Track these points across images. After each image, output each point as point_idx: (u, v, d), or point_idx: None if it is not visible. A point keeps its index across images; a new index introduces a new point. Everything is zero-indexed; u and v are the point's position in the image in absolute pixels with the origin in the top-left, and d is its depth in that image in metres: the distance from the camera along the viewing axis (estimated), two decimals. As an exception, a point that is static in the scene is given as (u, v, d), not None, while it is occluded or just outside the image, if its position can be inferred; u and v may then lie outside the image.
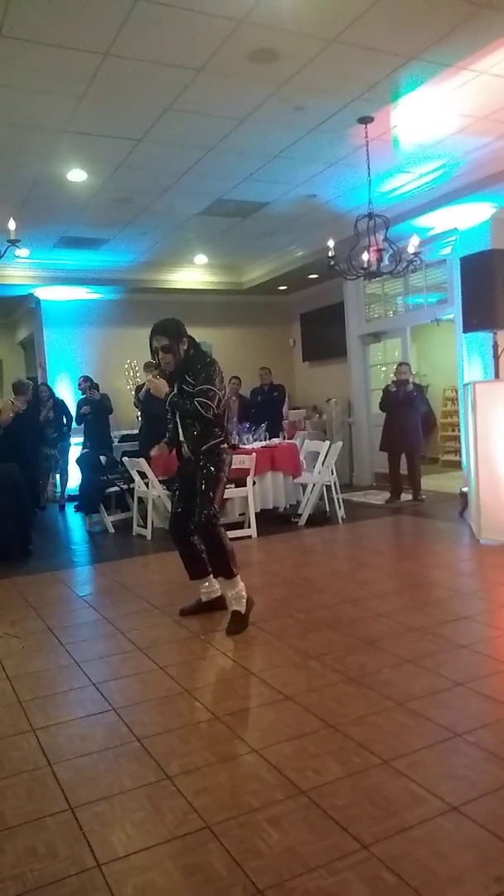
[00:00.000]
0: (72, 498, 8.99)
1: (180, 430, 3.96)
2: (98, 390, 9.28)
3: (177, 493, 4.16)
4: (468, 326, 7.20)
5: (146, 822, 2.12)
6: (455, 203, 6.99)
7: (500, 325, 6.91)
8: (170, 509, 6.22)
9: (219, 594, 4.21)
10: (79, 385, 9.34)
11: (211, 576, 4.18)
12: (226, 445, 3.95)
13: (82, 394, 9.25)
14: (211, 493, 3.85)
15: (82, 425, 9.26)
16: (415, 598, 4.26)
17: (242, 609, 3.92)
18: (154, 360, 3.99)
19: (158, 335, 3.85)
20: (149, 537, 6.74)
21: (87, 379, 9.38)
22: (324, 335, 10.87)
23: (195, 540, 4.07)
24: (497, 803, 2.08)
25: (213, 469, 3.87)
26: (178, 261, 9.92)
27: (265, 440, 7.56)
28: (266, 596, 4.56)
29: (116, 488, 7.57)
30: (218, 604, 4.20)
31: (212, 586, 4.22)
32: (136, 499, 7.17)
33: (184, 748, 2.56)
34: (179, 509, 4.08)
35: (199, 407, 3.75)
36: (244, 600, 3.93)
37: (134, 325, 10.73)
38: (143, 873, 1.88)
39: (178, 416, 3.94)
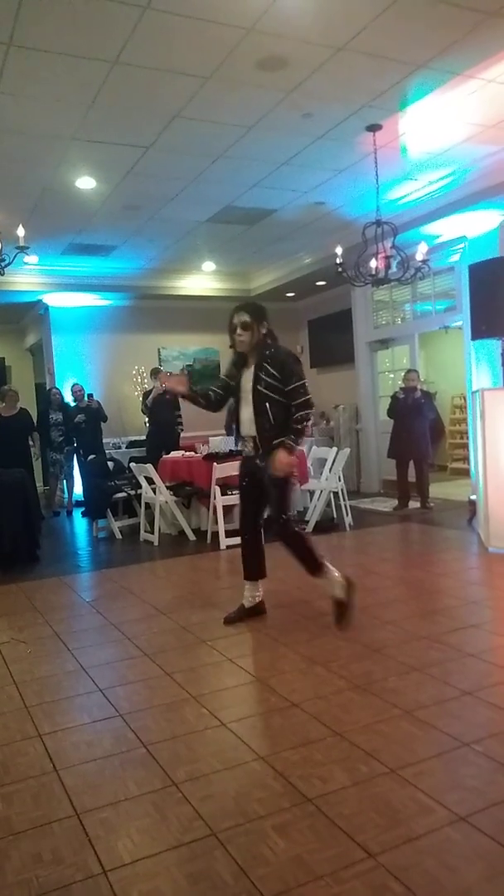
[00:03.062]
0: (79, 504, 9.01)
1: (245, 418, 3.86)
2: (92, 398, 9.25)
3: (244, 490, 4.04)
4: (476, 334, 7.19)
5: (152, 828, 2.11)
6: (463, 211, 6.98)
7: (509, 333, 6.90)
8: (176, 516, 6.21)
9: (260, 599, 4.18)
10: (73, 392, 9.31)
11: (260, 582, 4.16)
12: (297, 439, 3.84)
13: (76, 401, 9.24)
14: (284, 499, 3.84)
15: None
16: (422, 606, 4.24)
17: (344, 594, 3.82)
18: (230, 339, 3.92)
19: (241, 311, 3.85)
20: (156, 543, 6.74)
21: (80, 387, 9.35)
22: (332, 342, 10.87)
23: (262, 540, 4.09)
24: (505, 813, 2.06)
25: (280, 479, 3.80)
26: (187, 267, 9.95)
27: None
28: (272, 602, 4.54)
29: (124, 494, 7.58)
30: (259, 608, 4.18)
31: (256, 590, 4.17)
32: (143, 504, 7.18)
33: (190, 755, 2.55)
34: (247, 510, 4.06)
35: (304, 406, 3.72)
36: (342, 586, 3.83)
37: (142, 331, 10.79)
38: (149, 880, 1.88)
39: (245, 400, 3.84)
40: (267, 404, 3.77)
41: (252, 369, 3.83)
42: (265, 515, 4.04)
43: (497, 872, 1.81)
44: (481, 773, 2.30)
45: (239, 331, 3.83)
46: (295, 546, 3.88)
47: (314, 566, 3.88)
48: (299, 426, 3.75)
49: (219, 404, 4.08)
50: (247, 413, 3.87)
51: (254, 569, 4.15)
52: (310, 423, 3.83)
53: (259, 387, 3.77)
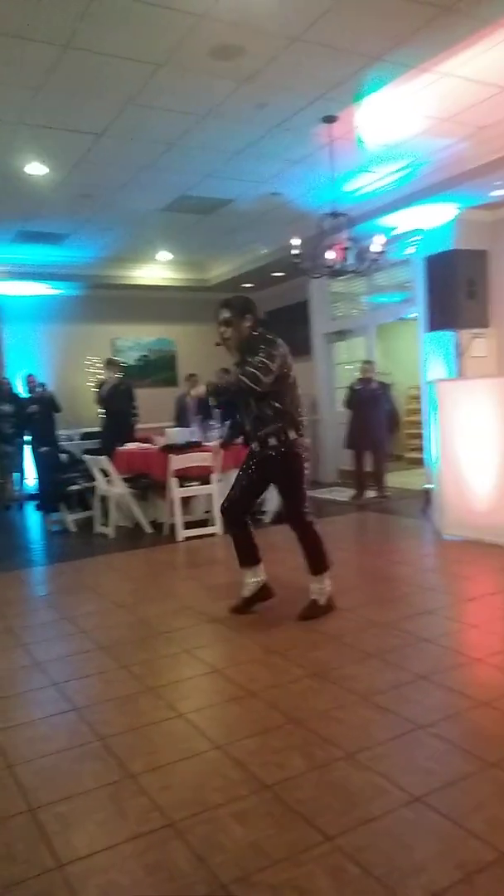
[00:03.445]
0: (32, 497, 8.86)
1: (245, 412, 3.83)
2: (45, 388, 9.10)
3: (240, 482, 3.96)
4: (432, 325, 7.32)
5: (108, 821, 2.09)
6: (419, 203, 7.06)
7: (463, 325, 7.06)
8: (132, 509, 6.16)
9: (263, 581, 4.06)
10: (28, 383, 9.15)
11: (261, 565, 4.07)
12: (296, 436, 3.75)
13: (30, 392, 9.07)
14: (297, 492, 3.80)
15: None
16: (379, 594, 4.30)
17: (323, 602, 3.88)
18: (218, 337, 3.87)
19: (221, 308, 3.78)
20: (111, 536, 6.67)
21: (33, 377, 9.20)
22: (289, 333, 10.77)
23: (250, 526, 4.03)
24: (459, 793, 2.11)
25: (292, 466, 3.76)
26: (142, 257, 9.84)
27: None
28: (230, 593, 4.54)
29: (78, 486, 7.47)
30: (263, 593, 4.07)
31: (256, 576, 4.06)
32: (98, 497, 7.09)
33: (147, 746, 2.54)
34: (235, 499, 3.96)
35: (245, 378, 3.55)
36: (327, 595, 3.90)
37: (96, 321, 10.65)
38: (106, 872, 1.86)
39: (243, 403, 3.81)
40: (250, 399, 3.71)
41: (241, 363, 3.76)
42: (262, 509, 4.02)
43: (449, 848, 1.85)
44: (435, 755, 2.34)
45: (222, 328, 3.78)
46: (310, 541, 3.87)
47: (321, 566, 3.90)
48: (233, 381, 3.66)
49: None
50: (244, 411, 3.85)
51: (248, 556, 4.05)
52: (238, 388, 3.63)
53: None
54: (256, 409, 3.74)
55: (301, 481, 3.82)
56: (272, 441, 3.74)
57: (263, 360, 3.60)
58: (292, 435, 3.75)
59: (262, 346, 3.66)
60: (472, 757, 2.30)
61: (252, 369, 3.57)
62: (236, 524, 4.03)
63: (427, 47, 4.40)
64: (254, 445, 3.88)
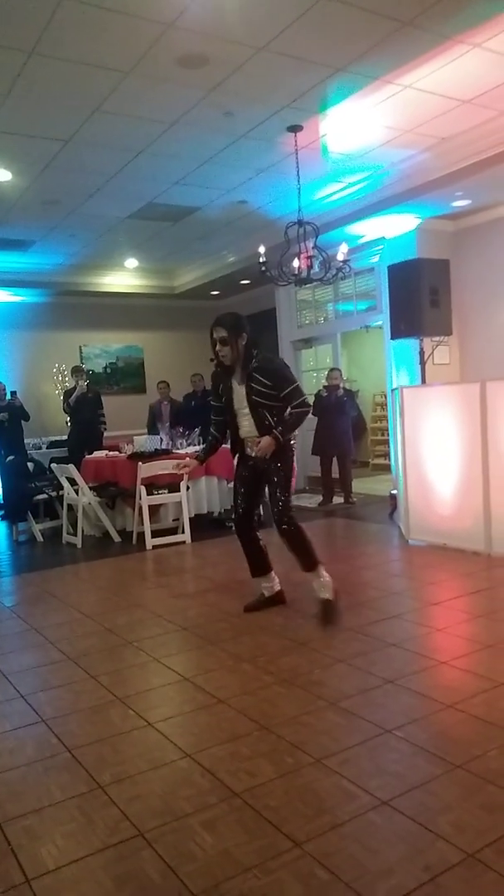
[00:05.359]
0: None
1: (246, 425, 3.93)
2: (16, 396, 8.97)
3: (238, 490, 4.14)
4: (396, 333, 7.42)
5: (77, 833, 2.07)
6: (383, 213, 7.17)
7: (426, 332, 7.16)
8: (100, 518, 6.15)
9: (279, 588, 4.23)
10: None
11: (272, 572, 4.21)
12: (294, 442, 4.01)
13: None
14: (286, 490, 3.91)
15: None
16: (346, 599, 4.32)
17: (332, 597, 3.92)
18: (213, 353, 3.95)
19: (217, 326, 3.86)
20: (79, 545, 6.61)
21: (2, 385, 9.05)
22: (256, 340, 10.94)
23: (260, 538, 4.15)
24: (425, 796, 2.14)
25: (284, 465, 3.92)
26: (109, 264, 9.79)
27: (199, 445, 7.54)
28: (199, 601, 4.55)
29: (45, 495, 7.39)
30: (279, 598, 4.22)
31: (273, 581, 4.22)
32: (65, 506, 7.02)
33: (116, 757, 2.52)
34: (241, 510, 4.12)
35: (304, 409, 3.85)
36: (332, 587, 3.95)
37: (62, 328, 10.56)
38: (75, 885, 1.84)
39: (242, 413, 3.91)
40: (264, 411, 3.85)
41: (243, 384, 3.87)
42: (259, 513, 4.14)
43: (416, 851, 1.88)
44: (402, 758, 2.37)
45: (218, 346, 3.86)
46: (294, 538, 3.94)
47: (310, 561, 3.96)
48: (292, 421, 3.87)
49: (225, 431, 4.12)
50: (246, 423, 3.93)
51: (259, 565, 4.20)
52: (303, 419, 3.93)
53: (253, 397, 3.84)
54: (261, 418, 3.86)
55: (292, 480, 3.98)
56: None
57: (297, 383, 3.92)
58: (292, 441, 3.98)
59: (284, 371, 3.93)
60: (438, 759, 2.34)
61: (300, 399, 3.86)
62: (246, 536, 4.17)
63: (389, 59, 4.48)
64: (248, 450, 3.98)
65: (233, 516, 4.21)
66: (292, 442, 4.00)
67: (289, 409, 3.86)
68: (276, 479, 3.93)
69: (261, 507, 4.30)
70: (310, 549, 3.96)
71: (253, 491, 4.10)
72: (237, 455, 4.10)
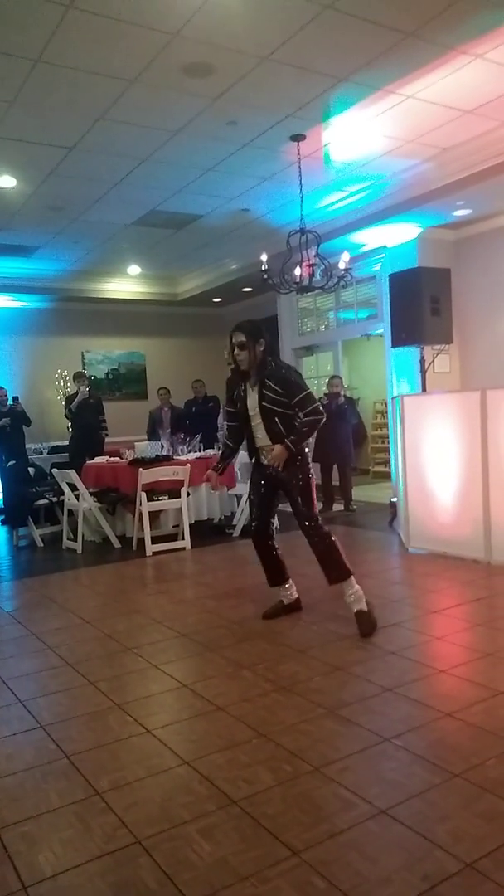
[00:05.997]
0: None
1: (259, 435, 3.94)
2: (17, 401, 8.99)
3: (254, 501, 4.16)
4: (396, 341, 7.43)
5: (75, 839, 2.07)
6: (384, 222, 7.20)
7: (427, 341, 7.18)
8: (101, 523, 6.14)
9: (297, 596, 4.24)
10: None
11: (290, 581, 4.22)
12: (306, 448, 3.99)
13: (1, 405, 8.95)
14: (309, 499, 3.92)
15: None
16: (346, 607, 4.32)
17: (365, 607, 3.86)
18: (230, 357, 4.01)
19: (237, 331, 3.90)
20: (79, 551, 6.61)
21: (4, 390, 9.07)
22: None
23: (276, 547, 4.16)
24: (423, 804, 2.13)
25: (302, 474, 3.92)
26: (111, 270, 9.83)
27: (200, 451, 7.55)
28: (199, 607, 4.55)
29: (45, 501, 7.40)
30: (296, 606, 4.23)
31: (291, 589, 4.24)
32: (65, 511, 7.03)
33: (114, 763, 2.52)
34: (257, 521, 4.13)
35: (315, 418, 3.82)
36: (363, 598, 3.89)
37: (65, 334, 10.60)
38: (72, 893, 1.84)
39: (255, 420, 3.93)
40: (276, 418, 3.86)
41: (256, 389, 3.89)
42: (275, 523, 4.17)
43: (415, 860, 1.87)
44: (401, 767, 2.37)
45: (237, 351, 3.90)
46: (324, 549, 3.91)
47: (341, 573, 3.89)
48: (305, 429, 3.85)
49: (239, 438, 4.15)
50: (260, 431, 3.94)
51: (275, 575, 4.21)
52: (316, 428, 3.90)
53: (264, 403, 3.85)
54: (272, 426, 3.87)
55: (312, 490, 3.97)
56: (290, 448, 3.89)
57: (308, 391, 3.90)
58: (307, 450, 3.97)
59: (295, 379, 3.91)
60: (437, 768, 2.34)
61: (311, 406, 3.83)
62: (263, 546, 4.16)
63: (392, 70, 4.51)
64: (264, 459, 3.99)
65: (252, 530, 4.20)
66: (307, 450, 3.99)
67: (301, 416, 3.84)
68: (295, 491, 3.93)
69: (276, 518, 4.28)
70: (341, 561, 3.92)
71: (268, 502, 4.10)
72: (254, 463, 4.10)
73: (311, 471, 4.02)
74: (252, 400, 3.93)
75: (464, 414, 5.31)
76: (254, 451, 4.05)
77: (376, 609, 3.94)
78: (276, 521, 4.26)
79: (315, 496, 3.99)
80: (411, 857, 1.89)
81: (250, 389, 3.94)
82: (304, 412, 3.83)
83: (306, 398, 3.85)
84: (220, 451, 4.31)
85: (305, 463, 3.96)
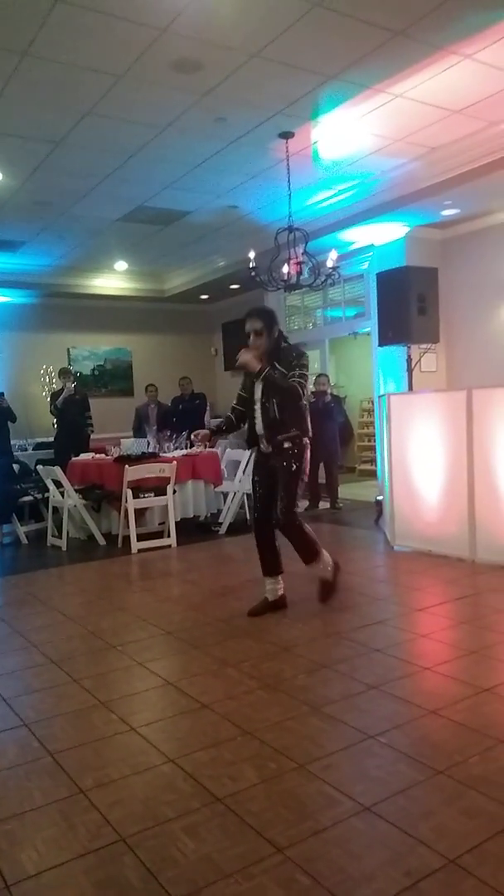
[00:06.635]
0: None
1: (260, 419, 4.00)
2: (3, 398, 8.94)
3: (256, 492, 4.20)
4: (383, 340, 7.46)
5: (58, 838, 2.06)
6: (372, 220, 7.21)
7: (414, 340, 7.21)
8: (86, 520, 6.13)
9: (282, 593, 4.28)
10: None
11: (280, 577, 4.27)
12: (306, 440, 4.03)
13: None
14: (291, 489, 4.00)
15: None
16: (331, 604, 4.33)
17: (330, 577, 4.18)
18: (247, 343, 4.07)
19: (253, 318, 3.97)
20: (64, 548, 6.58)
21: None
22: (246, 345, 10.94)
23: (275, 540, 4.21)
24: (407, 801, 2.14)
25: (293, 463, 3.98)
26: (98, 266, 9.78)
27: (186, 448, 7.54)
28: (184, 605, 4.55)
29: (30, 497, 7.35)
30: (281, 602, 4.27)
31: (278, 583, 4.27)
32: (50, 508, 6.99)
33: (98, 761, 2.51)
34: (259, 513, 4.19)
35: (297, 386, 3.87)
36: (330, 568, 4.20)
37: (51, 330, 10.53)
38: (55, 890, 1.83)
39: (259, 405, 3.98)
40: (274, 401, 3.92)
41: (265, 372, 3.94)
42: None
43: (398, 856, 1.88)
44: (385, 764, 2.38)
45: (252, 337, 3.96)
46: (296, 537, 4.07)
47: (312, 555, 4.12)
48: (289, 391, 3.88)
49: (241, 420, 4.19)
50: (259, 417, 4.00)
51: (272, 566, 4.25)
52: (303, 385, 3.95)
53: (268, 385, 3.92)
54: (275, 414, 3.92)
55: (298, 483, 4.05)
56: (287, 445, 3.97)
57: (305, 374, 3.96)
58: (305, 441, 4.03)
59: (300, 363, 3.95)
60: (421, 765, 2.35)
61: (298, 381, 3.89)
62: (263, 537, 4.22)
63: (381, 69, 4.52)
64: (263, 447, 4.05)
65: (255, 518, 4.28)
66: (305, 444, 4.03)
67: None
68: (280, 476, 4.00)
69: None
70: (308, 545, 4.08)
71: (269, 493, 4.14)
72: (255, 454, 4.18)
73: (304, 468, 4.06)
74: (259, 386, 4.00)
75: (450, 413, 5.34)
76: (253, 438, 4.10)
77: (363, 607, 3.96)
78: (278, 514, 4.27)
79: (299, 490, 4.07)
80: (394, 853, 1.90)
81: (258, 379, 4.02)
82: (292, 380, 3.89)
83: (300, 369, 3.90)
84: (222, 421, 4.36)
85: (299, 456, 4.01)
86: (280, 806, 2.15)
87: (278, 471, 4.00)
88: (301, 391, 3.92)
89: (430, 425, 5.49)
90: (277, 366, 3.92)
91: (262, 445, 4.06)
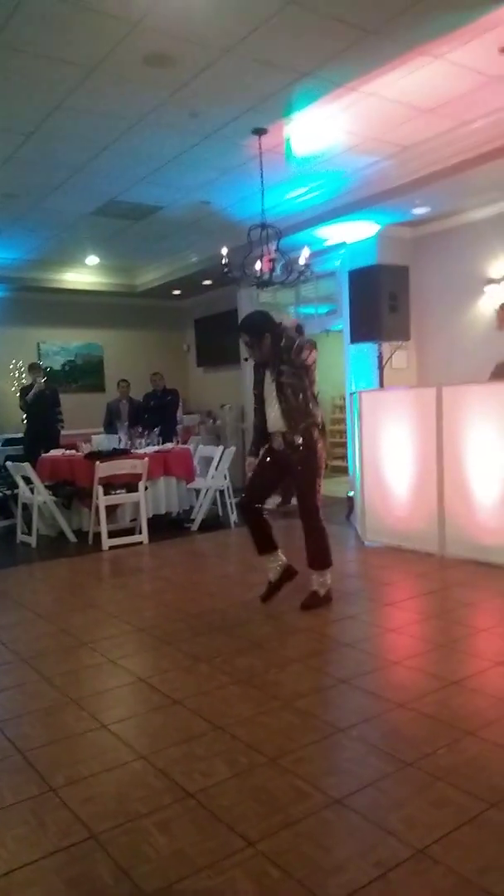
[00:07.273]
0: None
1: (273, 418, 4.05)
2: None
3: (254, 479, 4.20)
4: (355, 337, 7.52)
5: (29, 836, 2.05)
6: (344, 218, 7.24)
7: (385, 337, 7.27)
8: (56, 517, 6.07)
9: (286, 564, 4.25)
10: None
11: (279, 551, 4.24)
12: (319, 435, 4.04)
13: None
14: (314, 485, 4.02)
15: None
16: (302, 599, 4.36)
17: (322, 592, 4.14)
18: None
19: (242, 332, 4.10)
20: (34, 545, 6.51)
21: None
22: (218, 341, 10.94)
23: (266, 516, 4.25)
24: (377, 793, 2.17)
25: (311, 456, 4.00)
26: (69, 260, 9.67)
27: (158, 445, 7.51)
28: (156, 601, 4.54)
29: None
30: (288, 574, 4.26)
31: (278, 559, 4.25)
32: (20, 505, 6.91)
33: (69, 759, 2.50)
34: (248, 499, 4.20)
35: (298, 380, 3.94)
36: (327, 587, 4.17)
37: (20, 324, 10.38)
38: (26, 889, 1.82)
39: (271, 401, 4.04)
40: (289, 390, 3.98)
41: (274, 370, 4.01)
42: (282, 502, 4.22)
43: (368, 847, 1.91)
44: (355, 757, 2.41)
45: (246, 348, 4.08)
46: (317, 538, 4.12)
47: (323, 563, 4.14)
48: (294, 384, 3.98)
49: (265, 421, 4.18)
50: (273, 413, 4.04)
51: (265, 543, 4.23)
52: (301, 376, 4.00)
53: (280, 378, 3.99)
54: (287, 402, 3.97)
55: (319, 478, 4.07)
56: (299, 438, 4.00)
57: (304, 366, 4.02)
58: (316, 434, 4.05)
59: (301, 345, 3.99)
60: (390, 758, 2.38)
61: (295, 374, 3.98)
62: (251, 513, 4.21)
63: (353, 66, 4.53)
64: (275, 444, 4.09)
65: (242, 499, 4.30)
66: (317, 441, 4.05)
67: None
68: (303, 484, 4.06)
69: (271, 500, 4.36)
70: (324, 550, 4.13)
71: (267, 482, 4.20)
72: (266, 448, 4.18)
73: (320, 463, 4.07)
74: (269, 381, 4.06)
75: (420, 410, 5.40)
76: (265, 436, 4.14)
77: (332, 601, 3.99)
78: (270, 504, 4.29)
79: (320, 484, 4.09)
80: (364, 844, 1.93)
81: (267, 371, 4.09)
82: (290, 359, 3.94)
83: (301, 362, 3.95)
84: (253, 434, 4.34)
85: (313, 454, 4.02)
86: (251, 800, 2.16)
87: (299, 467, 4.03)
88: (302, 383, 3.98)
89: (401, 422, 5.55)
90: (284, 358, 3.97)
91: (275, 443, 4.09)
